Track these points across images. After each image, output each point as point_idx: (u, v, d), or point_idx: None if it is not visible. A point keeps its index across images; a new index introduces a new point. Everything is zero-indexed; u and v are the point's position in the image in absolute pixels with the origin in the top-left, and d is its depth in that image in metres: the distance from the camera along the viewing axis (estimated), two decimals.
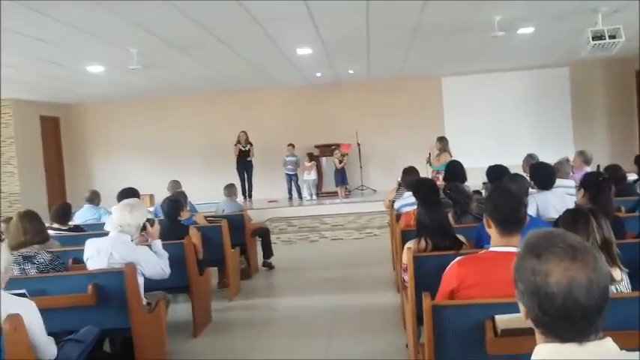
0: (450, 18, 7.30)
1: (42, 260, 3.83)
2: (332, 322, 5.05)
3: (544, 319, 1.22)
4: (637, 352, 1.23)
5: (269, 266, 7.53)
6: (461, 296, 2.50)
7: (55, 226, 5.83)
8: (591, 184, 3.66)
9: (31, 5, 5.37)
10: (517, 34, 8.55)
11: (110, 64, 8.66)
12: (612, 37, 7.14)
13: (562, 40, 9.24)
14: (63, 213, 5.96)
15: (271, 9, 6.17)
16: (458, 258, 2.63)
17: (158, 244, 4.16)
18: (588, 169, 6.34)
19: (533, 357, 1.25)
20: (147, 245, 4.09)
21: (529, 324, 1.28)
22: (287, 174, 12.44)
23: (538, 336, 1.26)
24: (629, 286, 2.54)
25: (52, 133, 13.50)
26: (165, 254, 4.17)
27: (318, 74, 11.53)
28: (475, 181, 6.32)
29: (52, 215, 5.97)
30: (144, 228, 4.03)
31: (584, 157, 6.58)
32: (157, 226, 4.16)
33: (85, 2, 5.37)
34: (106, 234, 4.05)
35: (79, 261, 4.76)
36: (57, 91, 11.28)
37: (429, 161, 8.95)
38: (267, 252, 7.56)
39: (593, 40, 7.16)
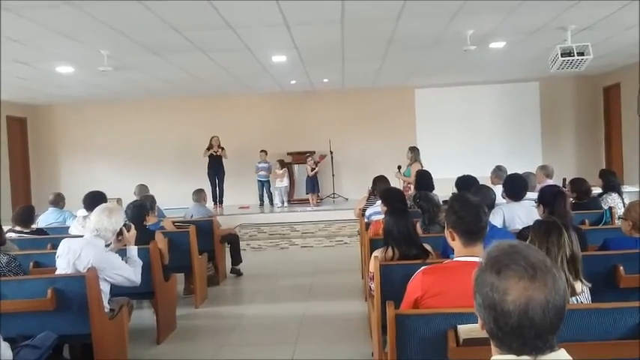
0: (423, 31, 7.38)
1: None
2: (299, 330, 5.01)
3: (498, 334, 1.22)
4: None
5: (237, 273, 7.46)
6: (425, 305, 2.50)
7: (18, 228, 5.69)
8: (547, 197, 3.72)
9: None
10: (489, 49, 8.69)
11: (80, 65, 8.50)
12: (581, 54, 7.32)
13: (532, 56, 9.43)
14: (26, 216, 5.82)
15: (245, 15, 6.14)
16: (423, 267, 2.63)
17: (134, 250, 4.12)
18: (550, 182, 6.46)
19: None
20: (123, 249, 4.04)
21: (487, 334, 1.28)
22: (259, 180, 12.38)
23: (493, 347, 1.27)
24: (589, 297, 2.58)
25: (19, 134, 13.17)
26: (140, 262, 4.12)
27: (293, 82, 11.52)
28: (445, 191, 6.38)
29: (14, 218, 5.83)
30: (120, 233, 3.98)
31: (545, 171, 6.74)
32: (133, 232, 4.11)
33: (55, 2, 5.27)
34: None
35: (40, 265, 4.66)
36: (24, 91, 11.03)
37: (399, 171, 9.03)
38: (236, 259, 7.49)
39: (562, 56, 7.32)
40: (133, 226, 4.18)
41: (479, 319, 1.28)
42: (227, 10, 5.94)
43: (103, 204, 4.20)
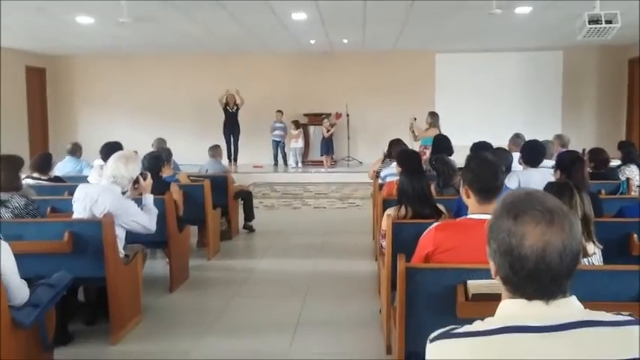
0: None
1: (16, 205, 3.81)
2: (308, 285, 5.07)
3: (513, 279, 1.21)
4: (602, 312, 1.23)
5: (250, 229, 7.53)
6: (436, 260, 2.51)
7: (35, 175, 5.76)
8: (565, 162, 3.69)
9: None
10: (514, 14, 8.49)
11: (100, 15, 8.46)
12: (609, 22, 7.12)
13: (558, 23, 9.21)
14: (43, 163, 5.89)
15: None
16: (435, 223, 2.64)
17: (150, 198, 4.18)
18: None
19: (497, 312, 1.25)
20: (139, 198, 4.08)
21: (500, 289, 1.27)
22: (274, 140, 12.39)
23: (504, 292, 1.26)
24: (601, 259, 2.58)
25: (38, 84, 13.26)
26: (155, 210, 4.17)
27: (312, 41, 11.39)
28: (461, 158, 6.33)
29: (32, 165, 5.90)
30: (137, 181, 4.02)
31: (561, 141, 6.72)
32: (149, 180, 4.16)
33: None
34: None
35: (57, 210, 4.74)
36: (44, 42, 11.05)
37: (412, 126, 9.00)
38: (249, 215, 7.55)
39: (589, 23, 7.13)
40: (149, 174, 4.22)
41: (492, 265, 1.27)
42: None
43: (120, 151, 4.23)
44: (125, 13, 7.68)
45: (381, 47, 12.27)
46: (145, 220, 3.98)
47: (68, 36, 10.37)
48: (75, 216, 3.92)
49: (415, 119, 9.02)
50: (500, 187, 2.54)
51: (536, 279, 1.18)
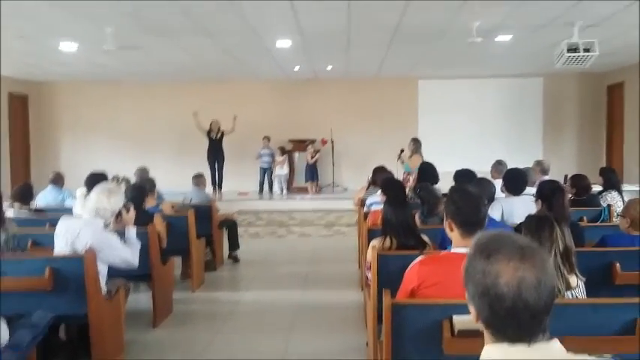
0: (429, 21, 7.34)
1: None
2: (294, 317, 5.03)
3: (494, 321, 1.22)
4: (584, 355, 1.24)
5: (235, 259, 7.46)
6: (421, 295, 2.51)
7: (16, 206, 5.68)
8: (546, 193, 3.72)
9: None
10: (495, 42, 8.65)
11: (84, 42, 8.45)
12: (587, 50, 7.29)
13: (538, 51, 9.39)
14: (24, 194, 5.81)
15: None
16: (420, 257, 2.64)
17: (132, 232, 4.11)
18: (546, 177, 6.47)
19: (482, 357, 1.25)
20: (122, 231, 4.03)
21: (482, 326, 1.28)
22: (261, 167, 12.35)
23: (487, 337, 1.27)
24: (585, 292, 2.59)
25: (20, 111, 13.12)
26: (138, 244, 4.10)
27: (296, 68, 11.48)
28: (444, 185, 6.36)
29: (13, 195, 5.83)
30: (119, 214, 3.97)
31: (541, 167, 6.78)
32: (132, 213, 4.10)
33: None
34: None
35: (38, 244, 4.66)
36: (27, 68, 11.00)
37: (399, 157, 9.04)
38: (234, 244, 7.49)
39: (567, 51, 7.30)
40: (132, 207, 4.17)
41: (472, 310, 1.28)
42: None
43: (103, 183, 4.19)
44: (109, 41, 7.68)
45: (365, 74, 12.40)
46: (128, 254, 3.92)
47: (51, 63, 10.34)
48: (56, 251, 3.85)
49: (402, 150, 9.08)
50: (483, 220, 2.55)
51: (516, 318, 1.19)
